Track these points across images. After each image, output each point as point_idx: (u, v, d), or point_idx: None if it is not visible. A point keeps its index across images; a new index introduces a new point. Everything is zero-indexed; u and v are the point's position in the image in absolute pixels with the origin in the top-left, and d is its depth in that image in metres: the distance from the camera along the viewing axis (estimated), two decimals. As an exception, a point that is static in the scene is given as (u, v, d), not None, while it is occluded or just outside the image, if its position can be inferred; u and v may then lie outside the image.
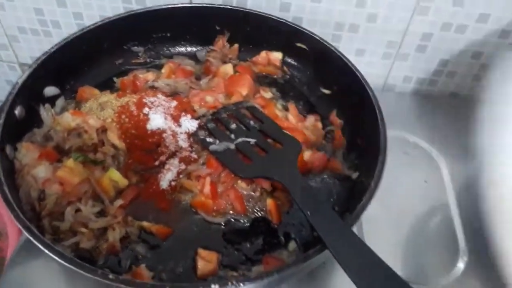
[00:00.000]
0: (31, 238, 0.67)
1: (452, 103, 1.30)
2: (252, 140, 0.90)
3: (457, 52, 1.19)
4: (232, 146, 0.90)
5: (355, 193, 0.87)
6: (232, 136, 0.92)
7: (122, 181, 0.86)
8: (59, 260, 0.64)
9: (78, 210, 0.79)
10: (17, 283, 0.85)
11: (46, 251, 0.65)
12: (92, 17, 1.25)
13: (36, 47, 1.37)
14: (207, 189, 0.85)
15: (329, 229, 0.68)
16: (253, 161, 0.87)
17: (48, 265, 0.86)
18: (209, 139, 0.92)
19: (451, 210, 1.04)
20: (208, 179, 0.86)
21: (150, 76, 1.06)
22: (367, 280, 0.62)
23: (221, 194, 0.87)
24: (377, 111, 0.88)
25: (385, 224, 1.00)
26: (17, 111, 0.88)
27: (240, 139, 0.90)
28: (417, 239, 0.99)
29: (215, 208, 0.85)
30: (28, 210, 0.78)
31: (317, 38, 1.05)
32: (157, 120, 0.91)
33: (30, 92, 0.92)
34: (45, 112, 0.95)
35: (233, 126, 0.94)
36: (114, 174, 0.85)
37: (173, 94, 1.04)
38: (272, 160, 0.86)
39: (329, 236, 0.67)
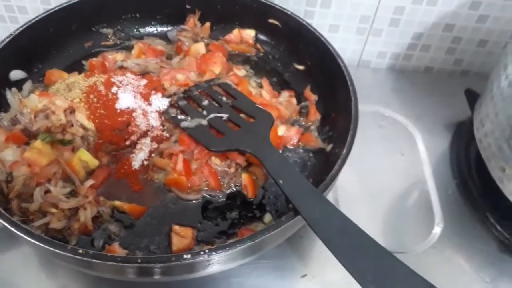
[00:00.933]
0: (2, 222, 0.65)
1: (426, 77, 1.31)
2: (225, 116, 0.89)
3: (430, 25, 1.19)
4: (204, 122, 0.89)
5: (329, 164, 0.86)
6: (204, 112, 0.91)
7: (92, 162, 0.84)
8: (28, 238, 0.63)
9: (47, 192, 0.78)
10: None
11: (14, 229, 0.64)
12: (59, 1, 1.22)
13: (2, 34, 1.33)
14: (179, 166, 0.84)
15: (302, 197, 0.68)
16: (225, 135, 0.86)
17: (21, 251, 0.85)
18: (180, 117, 0.91)
19: (427, 181, 1.05)
20: (180, 156, 0.85)
21: (119, 56, 1.04)
22: (342, 244, 0.62)
23: (195, 171, 0.86)
24: (349, 82, 0.88)
25: (362, 197, 1.01)
26: (-20, 96, 0.86)
27: (212, 115, 0.89)
28: (394, 210, 1.00)
29: (189, 185, 0.85)
30: (-5, 193, 0.76)
31: (290, 14, 1.04)
32: (126, 99, 0.90)
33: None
34: (11, 96, 0.93)
35: (205, 103, 0.93)
36: (84, 155, 0.83)
37: (143, 73, 1.02)
38: (244, 133, 0.85)
39: (302, 203, 0.66)
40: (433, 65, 1.30)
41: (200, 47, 1.09)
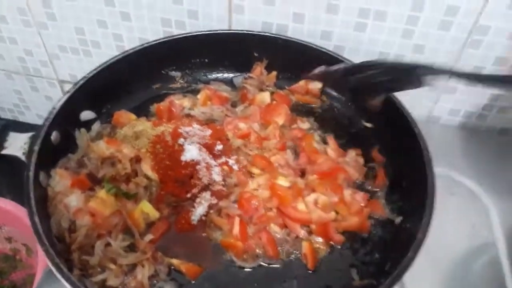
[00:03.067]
0: (58, 275, 0.64)
1: (501, 139, 1.22)
2: None
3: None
4: None
5: (398, 240, 0.81)
6: None
7: (154, 214, 0.83)
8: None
9: (107, 245, 0.77)
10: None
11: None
12: (132, 39, 1.25)
13: (75, 65, 1.39)
14: (236, 230, 0.81)
15: None
16: None
17: None
18: None
19: (500, 257, 0.96)
20: (237, 220, 0.82)
21: (186, 102, 1.04)
22: None
23: (252, 235, 0.83)
24: (425, 153, 0.83)
25: (427, 270, 0.93)
26: (53, 137, 0.88)
27: None
28: (463, 286, 0.92)
29: (245, 250, 0.82)
30: (58, 242, 0.76)
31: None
32: (192, 151, 0.88)
33: (66, 117, 0.91)
34: (80, 137, 0.94)
35: None
36: (146, 206, 0.82)
37: (208, 121, 1.01)
38: None
39: None
40: (509, 126, 1.22)
41: (265, 97, 1.08)
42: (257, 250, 0.82)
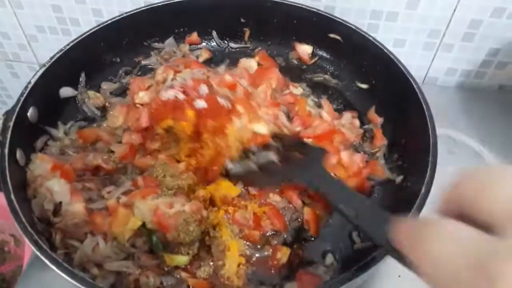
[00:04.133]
0: (38, 253, 0.60)
1: (500, 97, 1.18)
2: (275, 158, 0.79)
3: (509, 40, 1.07)
4: (254, 166, 0.79)
5: (400, 199, 0.77)
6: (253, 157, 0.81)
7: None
8: (68, 279, 0.57)
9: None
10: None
11: (54, 268, 0.58)
12: (112, 13, 1.19)
13: (55, 47, 1.31)
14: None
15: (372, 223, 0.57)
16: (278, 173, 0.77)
17: (62, 277, 0.80)
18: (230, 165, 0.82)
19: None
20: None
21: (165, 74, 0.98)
22: None
23: (260, 215, 0.78)
24: (424, 107, 0.78)
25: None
26: (29, 114, 0.82)
27: (262, 159, 0.80)
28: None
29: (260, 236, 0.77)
30: (39, 222, 0.71)
31: (353, 28, 0.95)
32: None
33: (44, 92, 0.86)
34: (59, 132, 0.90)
35: (253, 147, 0.83)
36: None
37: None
38: (298, 167, 0.75)
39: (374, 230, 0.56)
40: (508, 83, 1.17)
41: (251, 63, 1.02)
42: (268, 230, 0.78)
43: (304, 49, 1.06)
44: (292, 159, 0.78)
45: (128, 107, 0.93)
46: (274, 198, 0.80)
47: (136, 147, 0.85)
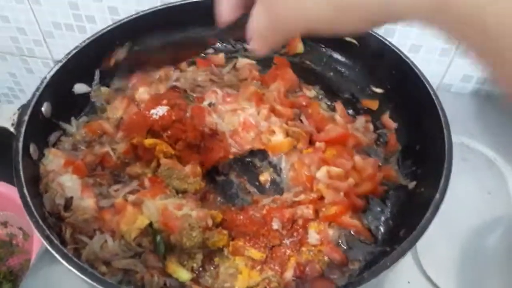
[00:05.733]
0: (49, 248, 0.60)
1: (517, 104, 1.16)
2: None
3: (527, 47, 1.05)
4: None
5: (414, 205, 0.76)
6: None
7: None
8: (78, 274, 0.57)
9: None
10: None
11: (65, 263, 0.58)
12: (128, 11, 1.20)
13: (70, 43, 1.32)
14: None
15: None
16: None
17: (71, 272, 0.80)
18: None
19: (517, 226, 0.91)
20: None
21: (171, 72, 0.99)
22: None
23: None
24: (440, 113, 0.78)
25: (442, 240, 0.88)
26: (44, 108, 0.83)
27: None
28: (478, 258, 0.87)
29: None
30: (50, 216, 0.71)
31: (370, 32, 0.94)
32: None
33: (59, 88, 0.86)
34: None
35: None
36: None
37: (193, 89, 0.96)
38: None
39: None
40: (525, 91, 1.16)
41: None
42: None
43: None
44: None
45: (128, 100, 0.92)
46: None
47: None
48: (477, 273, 0.84)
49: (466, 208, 0.93)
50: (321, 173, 0.80)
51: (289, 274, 0.70)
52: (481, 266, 0.85)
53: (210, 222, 0.73)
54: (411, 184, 0.81)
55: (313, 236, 0.74)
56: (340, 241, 0.76)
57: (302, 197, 0.78)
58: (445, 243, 0.88)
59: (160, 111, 0.84)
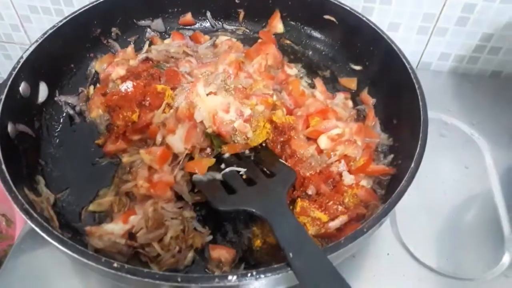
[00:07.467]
0: (26, 218, 0.60)
1: (494, 82, 1.19)
2: (242, 170, 0.79)
3: (502, 24, 1.07)
4: (219, 176, 0.79)
5: (392, 177, 0.78)
6: (223, 165, 0.81)
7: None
8: (59, 246, 0.57)
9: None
10: (21, 271, 0.80)
11: (45, 236, 0.59)
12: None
13: (48, 27, 1.31)
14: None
15: (318, 278, 0.56)
16: (237, 192, 0.75)
17: (54, 252, 0.80)
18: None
19: (494, 197, 0.94)
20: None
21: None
22: None
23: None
24: (416, 85, 0.79)
25: (421, 213, 0.91)
26: (21, 88, 0.82)
27: (228, 169, 0.79)
28: (456, 229, 0.89)
29: None
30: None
31: (348, 9, 0.95)
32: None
33: (36, 68, 0.85)
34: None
35: (226, 155, 0.83)
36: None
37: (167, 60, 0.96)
38: (258, 191, 0.74)
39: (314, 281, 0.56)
40: (501, 69, 1.18)
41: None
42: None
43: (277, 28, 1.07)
44: (258, 178, 0.77)
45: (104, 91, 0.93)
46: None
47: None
48: (454, 245, 0.87)
49: (444, 182, 0.96)
50: (323, 142, 0.81)
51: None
52: (458, 238, 0.88)
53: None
54: (389, 157, 0.83)
55: (347, 177, 0.78)
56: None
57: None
58: (424, 217, 0.90)
59: (129, 85, 0.84)
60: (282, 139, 0.82)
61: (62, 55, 0.93)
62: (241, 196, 0.74)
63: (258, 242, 0.76)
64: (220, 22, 1.09)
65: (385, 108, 0.91)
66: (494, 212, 0.91)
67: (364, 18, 0.93)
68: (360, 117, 0.92)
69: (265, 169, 0.79)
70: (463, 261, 0.84)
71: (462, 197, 0.94)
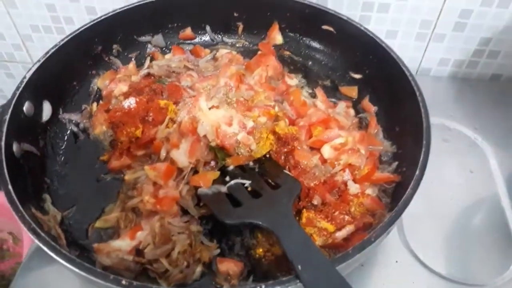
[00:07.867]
0: (34, 238, 0.60)
1: (494, 85, 1.19)
2: (247, 182, 0.79)
3: (500, 29, 1.08)
4: (224, 189, 0.78)
5: (397, 184, 0.78)
6: (227, 178, 0.81)
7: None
8: (66, 264, 0.57)
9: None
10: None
11: (53, 254, 0.59)
12: (105, 10, 1.18)
13: (50, 46, 1.32)
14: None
15: (325, 285, 0.57)
16: (243, 204, 0.75)
17: (61, 270, 0.80)
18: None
19: (501, 200, 0.94)
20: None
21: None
22: None
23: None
24: (417, 92, 0.79)
25: (427, 219, 0.91)
26: (25, 108, 0.82)
27: (232, 182, 0.79)
28: (464, 234, 0.89)
29: None
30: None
31: (346, 19, 0.96)
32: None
33: (39, 87, 0.86)
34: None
35: (230, 167, 0.83)
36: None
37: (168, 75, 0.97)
38: (264, 204, 0.74)
39: None
40: (500, 72, 1.18)
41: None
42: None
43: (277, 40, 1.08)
44: (264, 190, 0.77)
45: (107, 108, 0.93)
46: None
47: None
48: (463, 250, 0.86)
49: (450, 188, 0.95)
50: (326, 152, 0.81)
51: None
52: (467, 244, 0.88)
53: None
54: (393, 165, 0.83)
55: (352, 186, 0.78)
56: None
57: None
58: (431, 223, 0.90)
59: (132, 101, 0.85)
60: (285, 150, 0.82)
61: (64, 73, 0.93)
62: (247, 209, 0.74)
63: (260, 251, 0.75)
64: (219, 36, 1.10)
65: (387, 116, 0.91)
66: (501, 216, 0.91)
67: (362, 27, 0.94)
68: (363, 125, 0.92)
69: (269, 181, 0.79)
70: (472, 267, 0.84)
71: (468, 202, 0.94)
